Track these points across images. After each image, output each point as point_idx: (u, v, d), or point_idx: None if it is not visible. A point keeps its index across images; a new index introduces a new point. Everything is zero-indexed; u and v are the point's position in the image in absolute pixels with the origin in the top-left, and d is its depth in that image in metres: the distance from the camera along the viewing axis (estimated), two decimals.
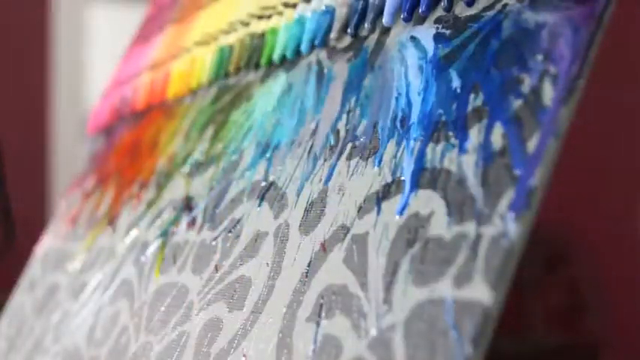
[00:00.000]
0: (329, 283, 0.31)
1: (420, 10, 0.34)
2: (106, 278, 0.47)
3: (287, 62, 0.43)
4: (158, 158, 0.51)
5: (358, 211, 0.31)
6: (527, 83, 0.28)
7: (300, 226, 0.34)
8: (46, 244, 0.61)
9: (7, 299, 0.61)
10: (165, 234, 0.44)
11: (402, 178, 0.30)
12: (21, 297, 0.59)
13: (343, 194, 0.33)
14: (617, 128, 1.69)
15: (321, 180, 0.35)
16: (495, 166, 0.27)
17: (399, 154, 0.31)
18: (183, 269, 0.40)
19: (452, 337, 0.24)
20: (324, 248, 0.32)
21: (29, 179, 1.88)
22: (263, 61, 0.44)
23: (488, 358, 0.24)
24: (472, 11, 0.32)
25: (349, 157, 0.34)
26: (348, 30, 0.39)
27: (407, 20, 0.35)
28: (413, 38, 0.34)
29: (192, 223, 0.42)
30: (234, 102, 0.46)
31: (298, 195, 0.35)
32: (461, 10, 0.32)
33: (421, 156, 0.30)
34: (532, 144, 0.26)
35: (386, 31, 0.37)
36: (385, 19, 0.36)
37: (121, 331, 0.42)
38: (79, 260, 0.52)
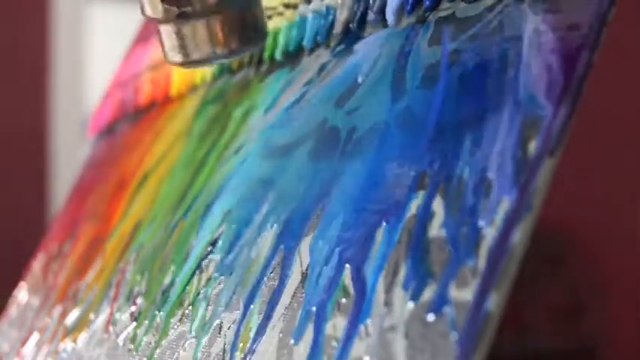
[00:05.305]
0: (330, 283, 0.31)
1: (421, 10, 0.34)
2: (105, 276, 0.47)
3: (288, 62, 0.43)
4: (163, 159, 0.51)
5: None
6: (529, 83, 0.28)
7: None
8: (46, 252, 0.61)
9: (7, 299, 0.61)
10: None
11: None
12: (22, 296, 0.59)
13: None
14: (618, 128, 1.69)
15: (322, 181, 0.35)
16: (497, 167, 0.27)
17: None
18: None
19: (452, 339, 0.25)
20: None
21: (29, 179, 1.88)
22: (265, 59, 0.44)
23: (488, 359, 0.24)
24: (474, 12, 0.32)
25: (351, 158, 0.34)
26: (350, 30, 0.39)
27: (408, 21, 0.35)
28: (414, 39, 0.34)
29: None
30: (238, 101, 0.46)
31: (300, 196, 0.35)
32: (463, 11, 0.33)
33: (423, 156, 0.30)
34: (533, 146, 0.26)
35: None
36: (387, 20, 0.36)
37: (122, 330, 0.42)
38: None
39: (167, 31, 0.33)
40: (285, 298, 0.32)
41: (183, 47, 0.33)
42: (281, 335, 0.31)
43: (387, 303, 0.27)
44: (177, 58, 0.34)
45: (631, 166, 1.67)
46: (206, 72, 0.50)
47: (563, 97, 0.26)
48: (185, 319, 0.37)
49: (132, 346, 0.40)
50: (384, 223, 0.30)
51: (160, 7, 0.33)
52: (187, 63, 0.34)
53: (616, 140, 1.69)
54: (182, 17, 0.33)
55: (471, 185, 0.27)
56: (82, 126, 1.82)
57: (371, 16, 0.37)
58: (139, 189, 0.51)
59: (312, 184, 0.35)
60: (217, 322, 0.35)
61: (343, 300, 0.29)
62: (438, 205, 0.28)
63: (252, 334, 0.33)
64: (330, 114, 0.37)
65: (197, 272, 0.39)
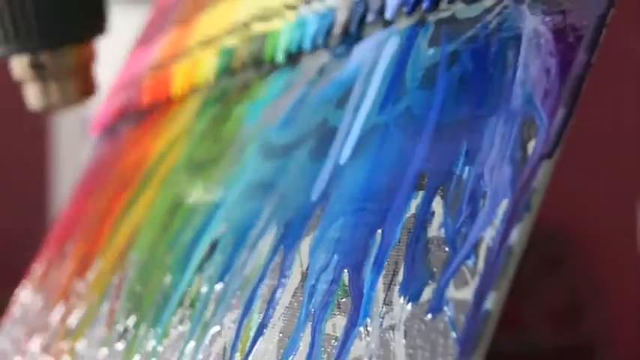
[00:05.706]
0: (329, 283, 0.31)
1: (421, 11, 0.35)
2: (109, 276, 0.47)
3: (289, 63, 0.43)
4: (168, 156, 0.51)
5: None
6: (528, 84, 0.28)
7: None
8: (47, 255, 0.61)
9: (8, 299, 0.61)
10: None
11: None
12: (25, 296, 0.59)
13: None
14: (617, 128, 1.69)
15: (322, 181, 0.35)
16: (496, 168, 0.27)
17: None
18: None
19: (452, 338, 0.25)
20: None
21: (30, 180, 1.88)
22: (266, 60, 0.45)
23: (488, 358, 0.24)
24: (473, 13, 0.32)
25: (352, 158, 0.34)
26: (350, 31, 0.39)
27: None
28: (414, 39, 0.35)
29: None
30: (239, 101, 0.46)
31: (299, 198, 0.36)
32: (462, 13, 0.33)
33: (422, 156, 0.30)
34: (531, 146, 0.26)
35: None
36: (386, 21, 0.36)
37: (123, 331, 0.42)
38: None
39: (31, 86, 0.49)
40: (285, 298, 0.32)
41: (41, 97, 0.49)
42: (281, 335, 0.31)
43: (387, 303, 0.28)
44: (37, 103, 0.49)
45: (630, 167, 1.67)
46: (208, 73, 0.50)
47: (561, 98, 0.26)
48: (186, 320, 0.38)
49: (133, 346, 0.40)
50: (384, 223, 0.30)
51: (26, 71, 0.48)
52: (44, 107, 0.49)
53: (615, 140, 1.69)
54: (39, 79, 0.48)
55: (469, 185, 0.27)
56: (84, 125, 1.82)
57: (370, 17, 0.38)
58: (140, 189, 0.51)
59: (313, 184, 0.35)
60: (218, 322, 0.35)
61: (343, 300, 0.29)
62: (437, 205, 0.28)
63: (252, 334, 0.33)
64: (330, 114, 0.37)
65: (198, 273, 0.39)
